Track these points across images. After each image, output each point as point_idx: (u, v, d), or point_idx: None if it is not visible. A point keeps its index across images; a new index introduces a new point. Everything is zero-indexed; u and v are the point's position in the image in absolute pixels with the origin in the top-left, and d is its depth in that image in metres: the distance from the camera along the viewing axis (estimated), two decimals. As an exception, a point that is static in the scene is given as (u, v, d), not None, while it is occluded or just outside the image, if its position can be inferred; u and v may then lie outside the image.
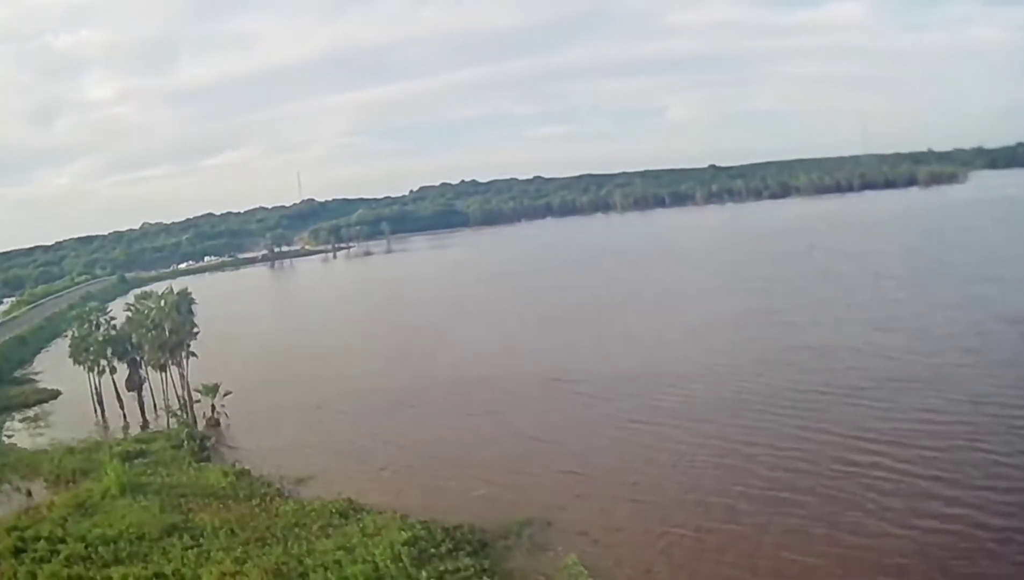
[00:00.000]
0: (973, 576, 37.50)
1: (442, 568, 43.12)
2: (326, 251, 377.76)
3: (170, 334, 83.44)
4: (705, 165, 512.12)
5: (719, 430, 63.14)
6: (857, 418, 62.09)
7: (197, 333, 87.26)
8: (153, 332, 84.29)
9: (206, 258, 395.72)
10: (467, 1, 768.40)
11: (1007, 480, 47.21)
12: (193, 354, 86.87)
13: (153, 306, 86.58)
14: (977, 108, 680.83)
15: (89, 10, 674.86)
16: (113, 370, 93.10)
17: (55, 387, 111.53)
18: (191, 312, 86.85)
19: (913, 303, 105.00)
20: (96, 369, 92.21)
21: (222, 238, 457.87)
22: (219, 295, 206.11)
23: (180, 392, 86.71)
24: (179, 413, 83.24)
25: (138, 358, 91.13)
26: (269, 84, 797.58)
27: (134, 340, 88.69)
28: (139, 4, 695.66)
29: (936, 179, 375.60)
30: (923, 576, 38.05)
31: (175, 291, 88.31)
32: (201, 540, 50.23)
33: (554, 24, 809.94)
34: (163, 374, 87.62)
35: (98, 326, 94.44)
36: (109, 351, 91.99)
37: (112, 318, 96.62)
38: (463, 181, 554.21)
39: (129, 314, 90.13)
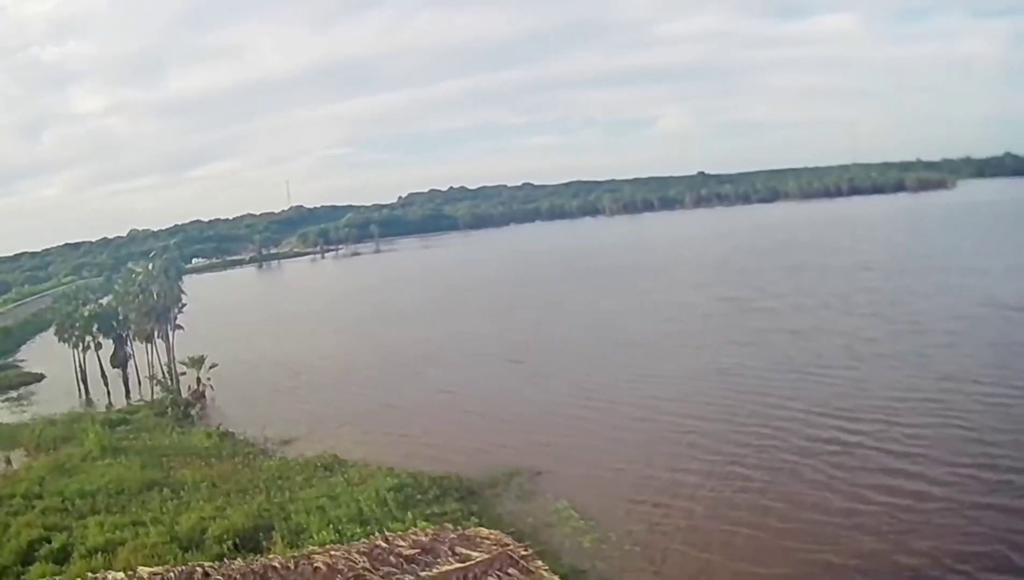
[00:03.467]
0: (932, 549, 35.88)
1: (428, 512, 42.17)
2: (314, 252, 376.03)
3: (157, 298, 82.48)
4: (694, 173, 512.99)
5: (690, 406, 62.02)
6: (830, 395, 61.07)
7: (184, 306, 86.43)
8: (140, 297, 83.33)
9: (194, 260, 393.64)
10: (458, 12, 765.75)
11: (982, 457, 45.70)
12: (179, 327, 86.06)
13: (140, 271, 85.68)
14: (966, 118, 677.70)
15: (77, 22, 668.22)
16: (98, 346, 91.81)
17: (39, 371, 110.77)
18: (179, 277, 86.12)
19: (895, 291, 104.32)
20: (81, 345, 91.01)
21: (210, 243, 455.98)
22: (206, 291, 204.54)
23: (165, 364, 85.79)
24: (164, 380, 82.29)
25: (124, 334, 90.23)
26: (258, 95, 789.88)
27: (120, 314, 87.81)
28: (127, 16, 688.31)
29: (924, 185, 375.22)
30: (879, 550, 36.46)
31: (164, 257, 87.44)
32: (182, 493, 49.34)
33: (545, 35, 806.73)
34: (148, 347, 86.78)
35: (85, 303, 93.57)
36: (95, 327, 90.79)
37: (99, 298, 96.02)
38: (452, 188, 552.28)
39: (116, 288, 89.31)
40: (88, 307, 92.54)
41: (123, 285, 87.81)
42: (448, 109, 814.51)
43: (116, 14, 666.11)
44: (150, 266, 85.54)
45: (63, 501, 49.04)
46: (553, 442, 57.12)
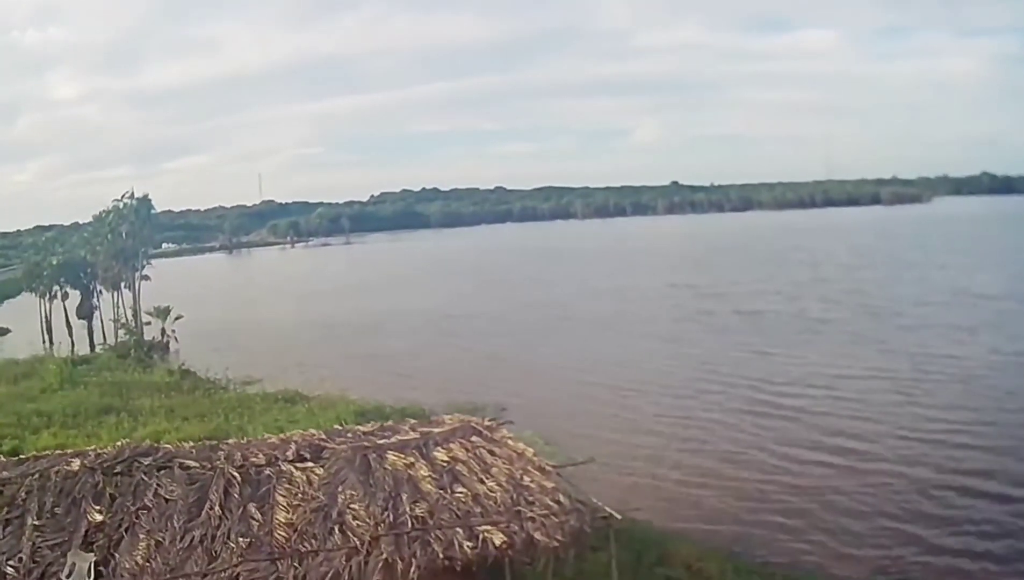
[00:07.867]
0: (867, 512, 35.23)
1: (389, 434, 41.87)
2: (285, 242, 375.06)
3: (126, 237, 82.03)
4: (668, 183, 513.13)
5: (636, 373, 62.91)
6: (774, 367, 61.83)
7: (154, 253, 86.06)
8: (110, 237, 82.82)
9: (164, 245, 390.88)
10: (435, 16, 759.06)
11: (930, 422, 46.01)
12: (147, 277, 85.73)
13: (111, 209, 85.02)
14: (944, 137, 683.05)
15: (58, 8, 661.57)
16: (65, 296, 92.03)
17: (3, 326, 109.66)
18: (149, 218, 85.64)
19: (857, 281, 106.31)
20: (48, 295, 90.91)
21: (180, 231, 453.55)
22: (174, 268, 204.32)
23: (131, 307, 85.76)
24: (128, 323, 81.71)
25: (90, 285, 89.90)
26: (233, 90, 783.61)
27: (88, 264, 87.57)
28: (108, 5, 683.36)
29: (899, 198, 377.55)
30: (809, 509, 35.95)
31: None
32: (139, 417, 48.95)
33: (522, 42, 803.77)
34: (114, 297, 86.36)
35: (54, 254, 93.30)
36: (62, 278, 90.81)
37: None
38: (424, 188, 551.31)
39: (85, 234, 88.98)
40: (56, 258, 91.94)
41: (93, 228, 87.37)
42: (423, 112, 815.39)
43: (97, 2, 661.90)
44: (121, 205, 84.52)
45: (19, 419, 48.78)
46: (514, 393, 57.09)
